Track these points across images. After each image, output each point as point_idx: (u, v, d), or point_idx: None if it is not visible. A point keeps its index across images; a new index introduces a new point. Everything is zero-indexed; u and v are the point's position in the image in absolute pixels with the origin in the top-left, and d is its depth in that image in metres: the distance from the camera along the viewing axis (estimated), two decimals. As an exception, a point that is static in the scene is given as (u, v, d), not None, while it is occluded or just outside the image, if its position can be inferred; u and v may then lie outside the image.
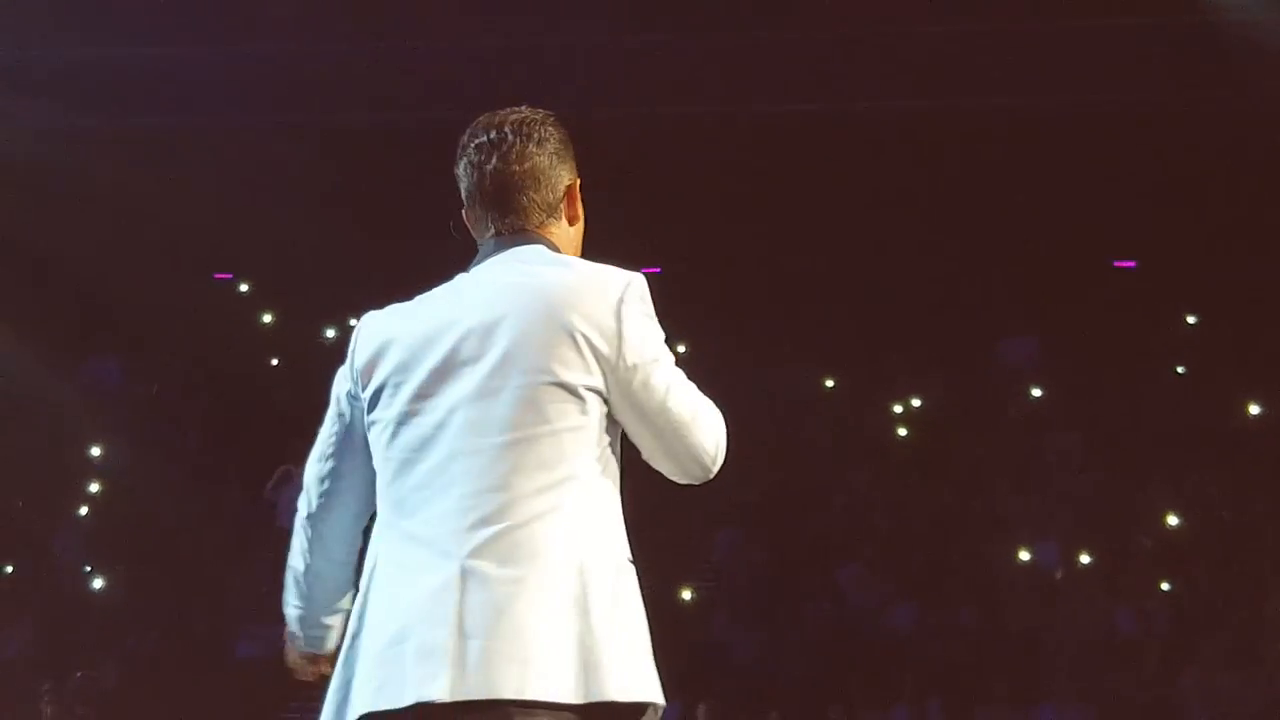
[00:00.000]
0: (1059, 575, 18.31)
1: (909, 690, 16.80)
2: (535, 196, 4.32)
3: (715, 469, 4.25)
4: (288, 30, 17.69)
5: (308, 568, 4.45)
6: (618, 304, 4.12)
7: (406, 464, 4.23)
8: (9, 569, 19.27)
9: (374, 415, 4.31)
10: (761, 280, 19.93)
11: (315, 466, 4.43)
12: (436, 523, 4.13)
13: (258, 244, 20.73)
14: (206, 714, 16.72)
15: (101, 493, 20.45)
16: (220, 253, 22.03)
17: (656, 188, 18.17)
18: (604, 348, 4.11)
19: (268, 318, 22.90)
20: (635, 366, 4.10)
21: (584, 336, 4.10)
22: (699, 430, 4.18)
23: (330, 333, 21.67)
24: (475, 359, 4.17)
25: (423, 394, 4.22)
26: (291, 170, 19.04)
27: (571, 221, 4.39)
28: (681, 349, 15.95)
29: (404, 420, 4.24)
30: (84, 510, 20.25)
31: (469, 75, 16.81)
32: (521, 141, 4.32)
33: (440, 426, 4.19)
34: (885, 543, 18.65)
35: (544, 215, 4.33)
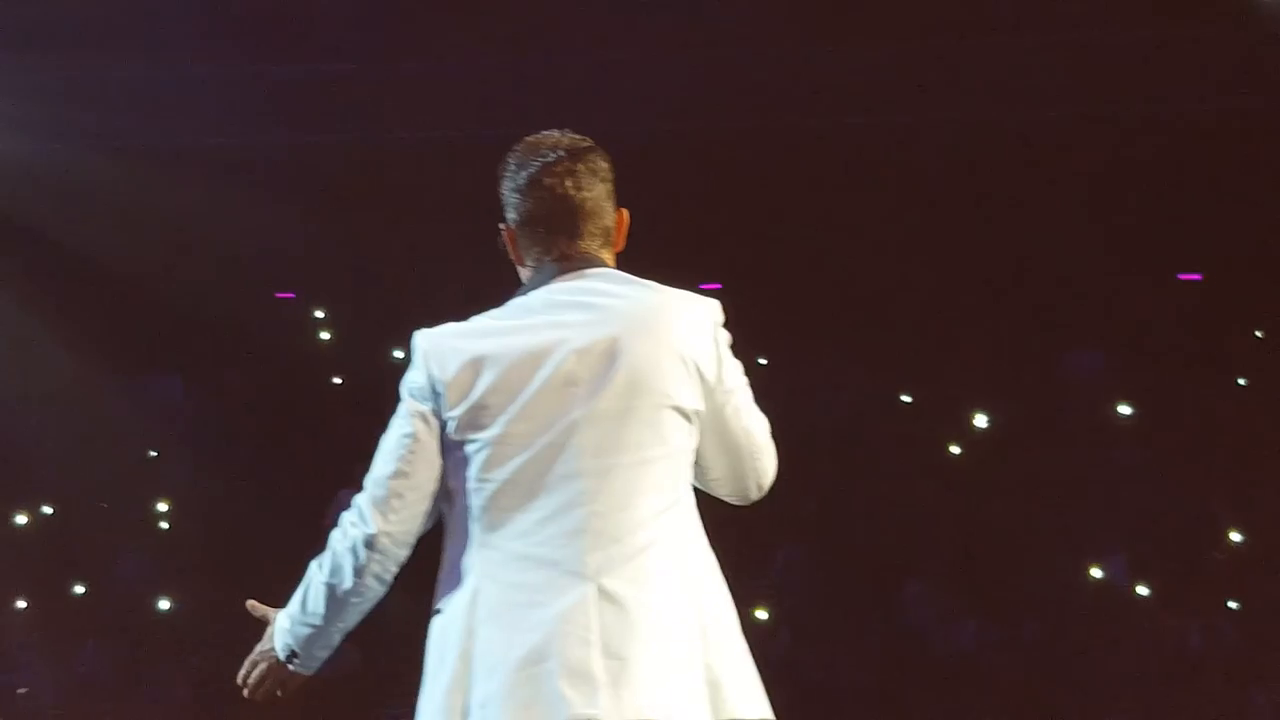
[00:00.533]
0: (1125, 591, 18.17)
1: (974, 709, 16.68)
2: (597, 224, 4.38)
3: (761, 495, 4.47)
4: (346, 48, 17.74)
5: (355, 585, 4.44)
6: (714, 329, 4.20)
7: (513, 484, 4.22)
8: (79, 589, 19.35)
9: (466, 434, 4.27)
10: (823, 294, 19.86)
11: (390, 482, 4.41)
12: (560, 543, 4.14)
13: (320, 263, 20.77)
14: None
15: (168, 512, 20.53)
16: (282, 271, 22.09)
17: (716, 201, 18.14)
18: (708, 372, 4.25)
19: (327, 336, 22.93)
20: (730, 391, 4.24)
21: (693, 360, 4.20)
22: (768, 455, 4.40)
23: (398, 354, 21.66)
24: (589, 380, 4.17)
25: (528, 414, 4.22)
26: (356, 188, 19.10)
27: (616, 249, 4.44)
28: (763, 361, 15.92)
29: (506, 440, 4.23)
30: (148, 528, 20.33)
31: (517, 94, 16.81)
32: (587, 170, 4.41)
33: (555, 447, 4.18)
34: (948, 559, 18.54)
35: (602, 241, 4.36)
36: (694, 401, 4.08)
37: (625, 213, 4.36)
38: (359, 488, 4.61)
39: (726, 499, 4.39)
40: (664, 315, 4.14)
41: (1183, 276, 20.99)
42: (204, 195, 19.20)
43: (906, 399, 20.50)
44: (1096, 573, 18.22)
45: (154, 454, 20.84)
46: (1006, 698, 16.68)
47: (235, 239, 19.95)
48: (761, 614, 18.08)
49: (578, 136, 4.38)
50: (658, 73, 17.33)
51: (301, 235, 19.98)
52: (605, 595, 3.95)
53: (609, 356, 4.08)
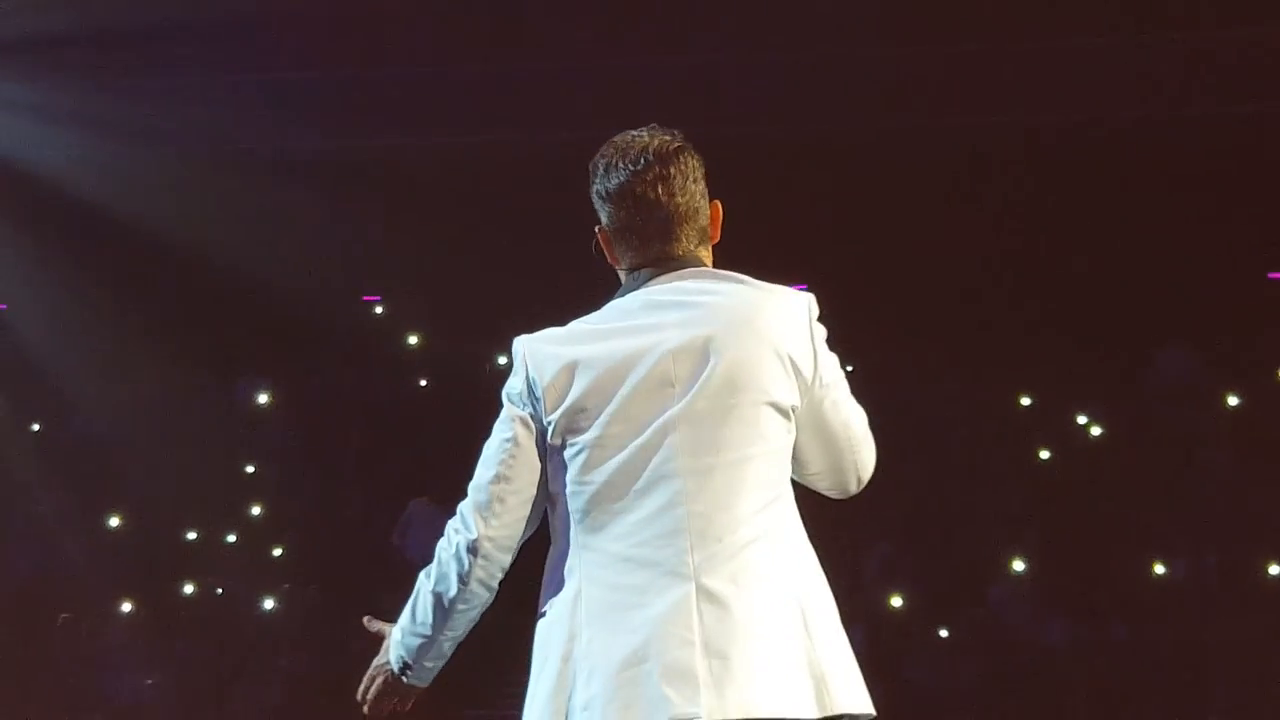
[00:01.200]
0: (1214, 592, 18.04)
1: (1063, 709, 16.61)
2: (693, 226, 4.37)
3: (862, 488, 4.43)
4: (427, 50, 17.81)
5: (461, 592, 4.43)
6: (809, 324, 4.18)
7: (611, 486, 4.21)
8: (189, 589, 19.48)
9: (564, 438, 4.28)
10: (912, 296, 19.80)
11: (492, 488, 4.40)
12: (660, 544, 4.14)
13: (406, 265, 20.85)
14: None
15: (260, 515, 20.65)
16: (368, 274, 22.18)
17: (809, 202, 18.14)
18: (805, 368, 4.22)
19: (414, 340, 23.01)
20: (828, 386, 4.21)
21: (789, 357, 4.19)
22: (868, 447, 4.34)
23: (502, 360, 21.67)
24: (685, 379, 4.18)
25: (624, 416, 4.22)
26: (440, 191, 19.16)
27: (712, 243, 4.46)
28: (850, 368, 15.86)
29: (603, 443, 4.23)
30: (238, 532, 20.46)
31: (600, 94, 16.83)
32: (679, 174, 4.37)
33: (650, 448, 4.17)
34: (1038, 559, 18.45)
35: (699, 240, 4.35)
36: (791, 397, 4.06)
37: (719, 205, 4.34)
38: (430, 498, 4.72)
39: (826, 493, 4.36)
40: (759, 311, 4.13)
41: (1272, 276, 20.83)
42: (293, 197, 19.33)
43: (981, 400, 20.42)
44: (1186, 571, 18.09)
45: (250, 469, 20.94)
46: (1094, 698, 16.60)
47: (322, 241, 20.09)
48: (897, 601, 18.04)
49: (666, 136, 4.34)
50: (744, 74, 17.34)
51: (387, 238, 20.07)
52: (706, 594, 3.94)
53: (704, 355, 4.08)
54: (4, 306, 20.86)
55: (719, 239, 4.37)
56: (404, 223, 19.60)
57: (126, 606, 19.06)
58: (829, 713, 3.99)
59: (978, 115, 17.92)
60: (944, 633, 17.90)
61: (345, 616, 18.64)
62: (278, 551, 19.93)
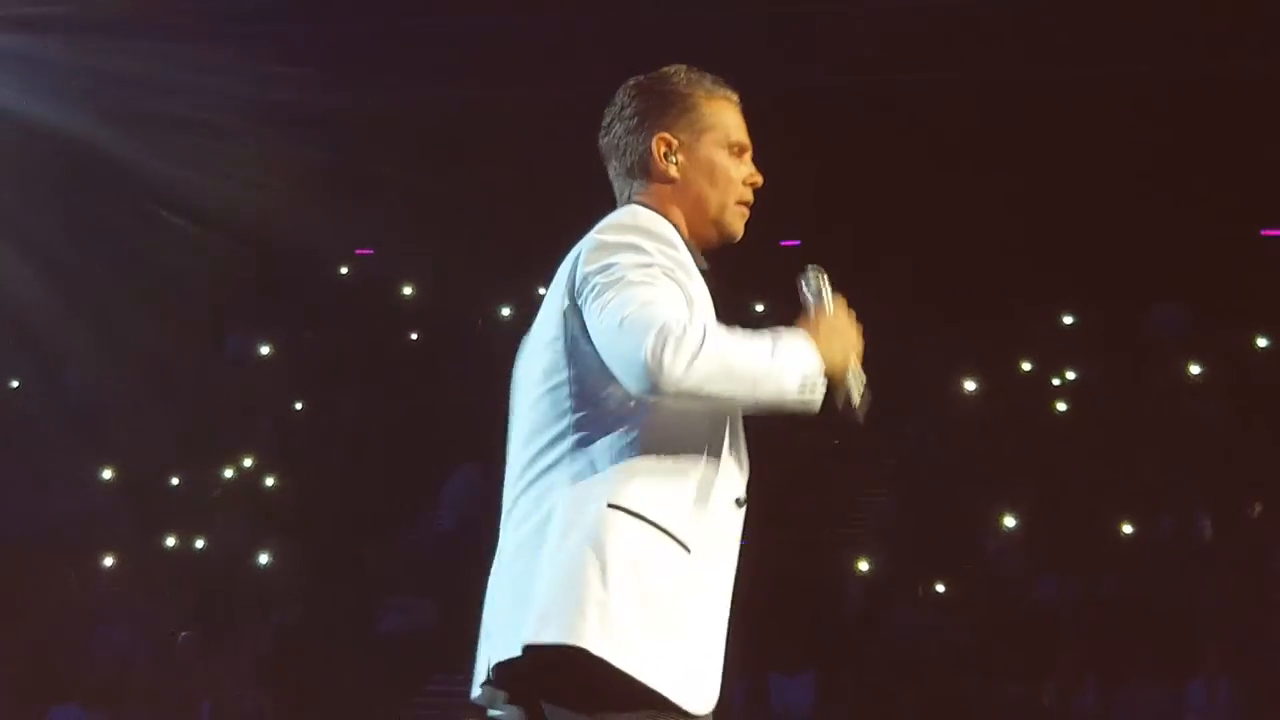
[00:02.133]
0: (1203, 546, 18.09)
1: (1059, 664, 16.65)
2: (620, 165, 4.28)
3: (653, 372, 3.79)
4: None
5: None
6: (589, 242, 4.03)
7: None
8: (170, 541, 19.50)
9: None
10: (907, 246, 19.80)
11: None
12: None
13: (403, 220, 20.84)
14: (351, 687, 16.85)
15: (252, 467, 20.67)
16: (363, 227, 22.17)
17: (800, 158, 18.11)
18: (570, 289, 4.02)
19: (409, 291, 23.00)
20: (585, 299, 3.95)
21: (564, 288, 4.03)
22: (617, 344, 3.85)
23: (506, 311, 21.70)
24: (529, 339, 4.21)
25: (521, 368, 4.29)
26: (437, 146, 19.16)
27: (667, 180, 4.24)
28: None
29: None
30: (235, 485, 20.49)
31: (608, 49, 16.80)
32: (609, 114, 4.30)
33: (511, 402, 4.23)
34: (1031, 513, 18.49)
35: (630, 180, 4.27)
36: (560, 329, 3.99)
37: (663, 138, 4.18)
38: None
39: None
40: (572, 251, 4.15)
41: (1266, 232, 20.86)
42: (287, 151, 19.32)
43: (974, 352, 20.46)
44: (1177, 526, 18.13)
45: (237, 409, 20.92)
46: (1086, 650, 16.63)
47: (314, 196, 20.08)
48: (863, 565, 18.07)
49: (630, 80, 4.30)
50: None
51: (385, 191, 20.07)
52: (501, 547, 4.12)
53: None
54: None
55: (670, 172, 4.24)
56: (399, 176, 19.60)
57: (113, 559, 19.09)
58: (527, 643, 3.82)
59: (972, 70, 17.92)
60: (940, 588, 17.95)
61: (333, 571, 18.76)
62: (265, 504, 19.96)
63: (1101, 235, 19.48)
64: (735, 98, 4.35)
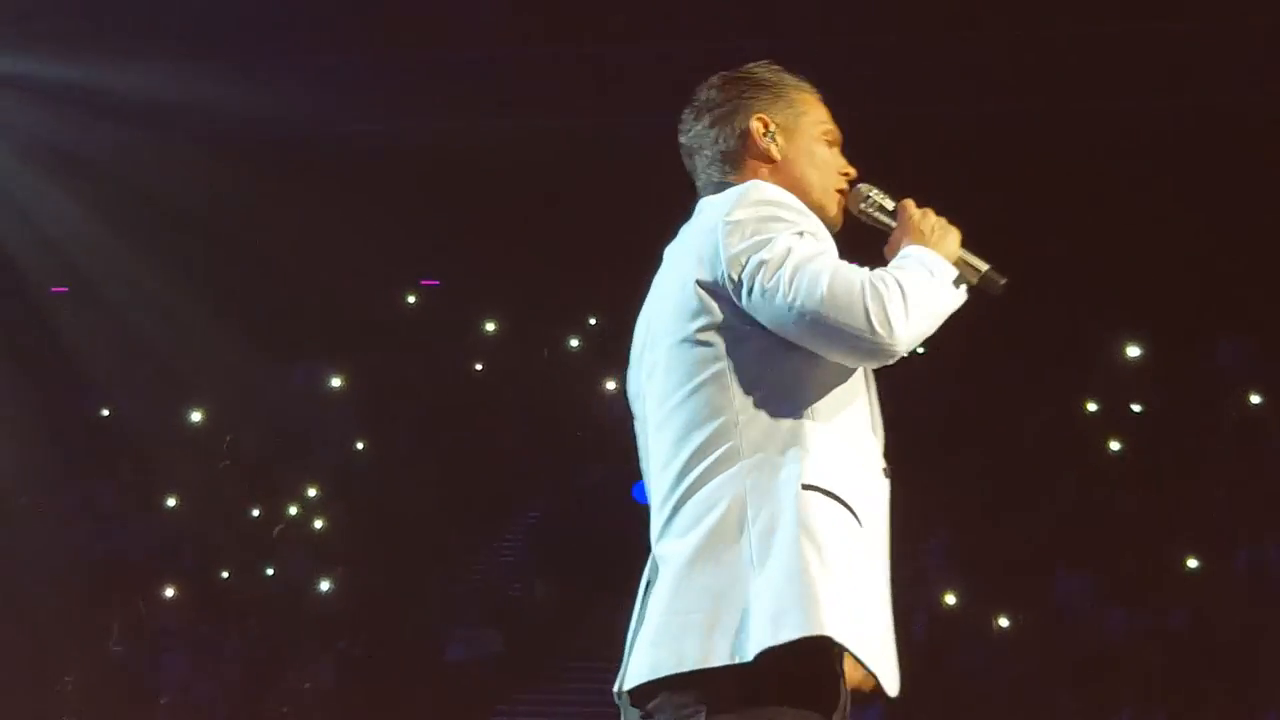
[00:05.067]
0: (1276, 577, 17.95)
1: (1127, 698, 16.53)
2: (704, 159, 4.18)
3: (887, 339, 3.74)
4: (502, 32, 17.81)
5: None
6: (721, 224, 3.88)
7: (644, 466, 4.18)
8: (225, 574, 19.57)
9: None
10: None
11: None
12: (652, 517, 4.07)
13: (463, 250, 20.89)
14: (415, 715, 16.88)
15: (318, 496, 20.73)
16: (426, 258, 22.23)
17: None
18: (711, 277, 3.86)
19: (476, 323, 23.03)
20: (741, 282, 3.79)
21: (696, 280, 3.87)
22: (844, 313, 3.73)
23: (575, 343, 21.69)
24: (649, 344, 4.09)
25: (644, 395, 4.14)
26: (499, 176, 19.17)
27: (768, 160, 4.14)
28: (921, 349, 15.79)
29: (641, 423, 4.17)
30: (298, 514, 20.53)
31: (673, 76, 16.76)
32: (707, 94, 4.20)
33: (649, 423, 4.12)
34: (1097, 547, 18.38)
35: (717, 169, 4.17)
36: (705, 319, 3.85)
37: (761, 119, 4.10)
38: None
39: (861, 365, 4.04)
40: (681, 241, 4.05)
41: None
42: (350, 182, 19.40)
43: (1038, 386, 20.33)
44: (1247, 559, 17.99)
45: (303, 440, 21.00)
46: (1152, 684, 16.52)
47: (380, 227, 20.15)
48: (931, 598, 17.94)
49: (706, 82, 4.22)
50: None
51: (447, 223, 20.11)
52: (656, 561, 3.92)
53: (650, 307, 4.10)
54: (65, 289, 21.01)
55: (776, 153, 4.18)
56: (464, 208, 19.64)
57: (178, 589, 19.15)
58: (764, 647, 3.72)
59: (1044, 98, 17.88)
60: (1003, 622, 17.85)
61: (399, 600, 18.80)
62: (332, 535, 20.00)
63: (1169, 268, 19.37)
64: (819, 95, 4.27)
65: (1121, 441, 20.04)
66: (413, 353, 22.11)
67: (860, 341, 3.73)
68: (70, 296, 20.88)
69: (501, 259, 20.62)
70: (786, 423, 3.82)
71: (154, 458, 20.30)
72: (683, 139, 4.23)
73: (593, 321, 21.07)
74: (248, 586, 19.39)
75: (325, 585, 19.15)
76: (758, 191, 3.94)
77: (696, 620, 3.73)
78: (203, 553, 19.57)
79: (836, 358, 3.81)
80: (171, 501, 20.38)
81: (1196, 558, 18.14)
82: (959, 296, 3.91)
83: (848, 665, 3.74)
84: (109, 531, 19.86)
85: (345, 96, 18.82)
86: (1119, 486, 19.05)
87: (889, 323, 3.71)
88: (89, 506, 20.12)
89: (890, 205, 4.14)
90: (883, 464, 3.98)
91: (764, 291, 3.77)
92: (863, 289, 3.71)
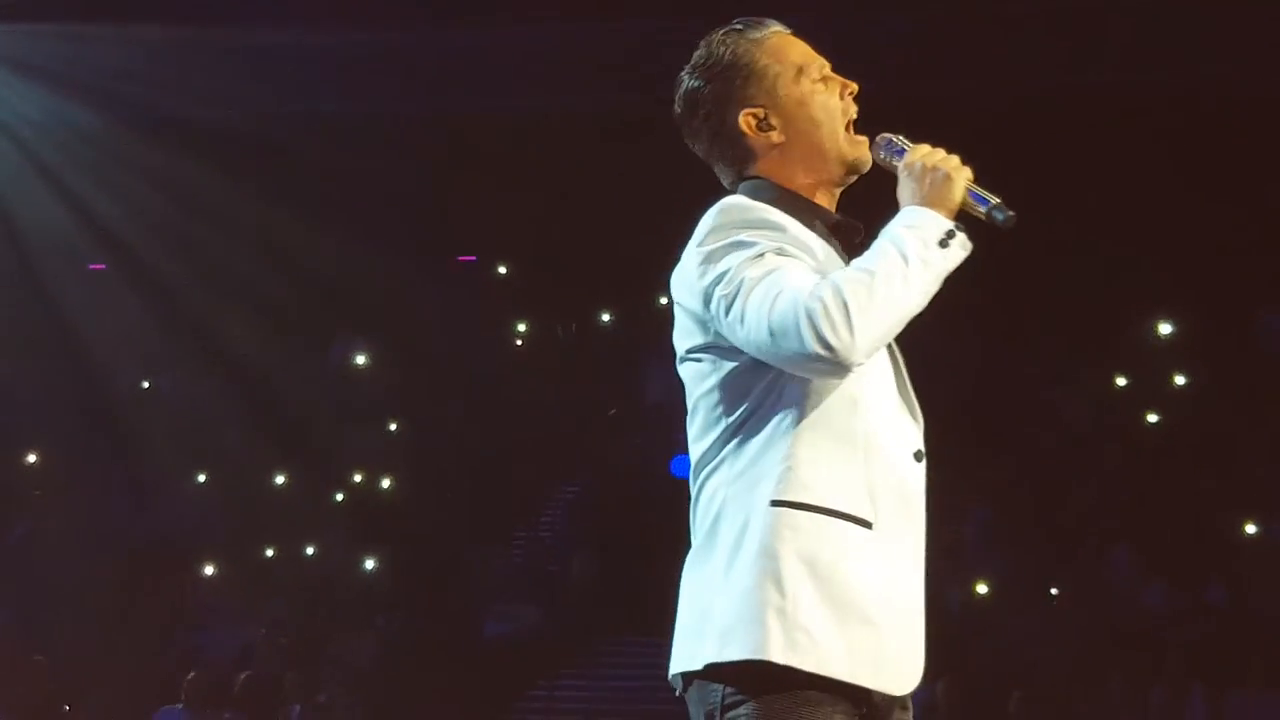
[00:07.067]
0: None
1: (1167, 671, 16.47)
2: (719, 153, 4.16)
3: (833, 357, 3.69)
4: (538, 11, 17.78)
5: None
6: (693, 255, 3.90)
7: None
8: (269, 552, 19.61)
9: None
10: (1012, 254, 19.62)
11: None
12: None
13: (501, 228, 20.88)
14: (454, 692, 16.91)
15: (356, 473, 20.75)
16: (460, 236, 22.23)
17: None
18: (690, 304, 3.93)
19: (514, 299, 23.02)
20: (713, 314, 3.84)
21: (679, 302, 3.97)
22: (785, 340, 3.71)
23: (605, 318, 21.65)
24: None
25: None
26: (535, 155, 19.15)
27: (774, 146, 4.10)
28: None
29: None
30: (341, 494, 20.56)
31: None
32: (683, 112, 4.17)
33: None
34: (1137, 521, 18.32)
35: (739, 164, 4.14)
36: (696, 339, 3.93)
37: (750, 114, 4.05)
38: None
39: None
40: (679, 261, 4.01)
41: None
42: (383, 160, 19.38)
43: (1081, 362, 20.25)
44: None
45: (339, 418, 21.00)
46: (1192, 658, 16.45)
47: (414, 204, 20.15)
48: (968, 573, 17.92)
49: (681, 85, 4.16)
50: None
51: (482, 201, 20.09)
52: (689, 558, 4.04)
53: None
54: (103, 266, 21.06)
55: (772, 136, 4.12)
56: (498, 186, 19.62)
57: (220, 566, 19.22)
58: (710, 662, 3.75)
59: (1073, 76, 17.80)
60: (1045, 598, 17.81)
61: (437, 577, 18.83)
62: (371, 512, 20.03)
63: (1210, 240, 19.25)
64: (781, 27, 4.20)
65: (1162, 415, 19.95)
66: (451, 329, 22.11)
67: (812, 363, 3.73)
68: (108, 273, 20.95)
69: (539, 234, 20.60)
70: (771, 435, 3.87)
71: (192, 432, 20.36)
72: (696, 148, 4.22)
73: (633, 297, 21.07)
74: (287, 564, 19.44)
75: (367, 564, 19.17)
76: (725, 214, 3.94)
77: (683, 623, 3.93)
78: (241, 530, 19.61)
79: (806, 375, 3.82)
80: (213, 482, 20.44)
81: (1237, 531, 18.08)
82: (945, 260, 3.82)
83: None
84: (147, 508, 19.91)
85: (378, 77, 18.82)
86: (1160, 460, 18.98)
87: (830, 340, 3.67)
88: (128, 483, 20.16)
89: (901, 148, 4.08)
90: (915, 448, 3.99)
91: (727, 325, 3.82)
92: (797, 314, 3.69)
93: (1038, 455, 19.22)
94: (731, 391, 3.90)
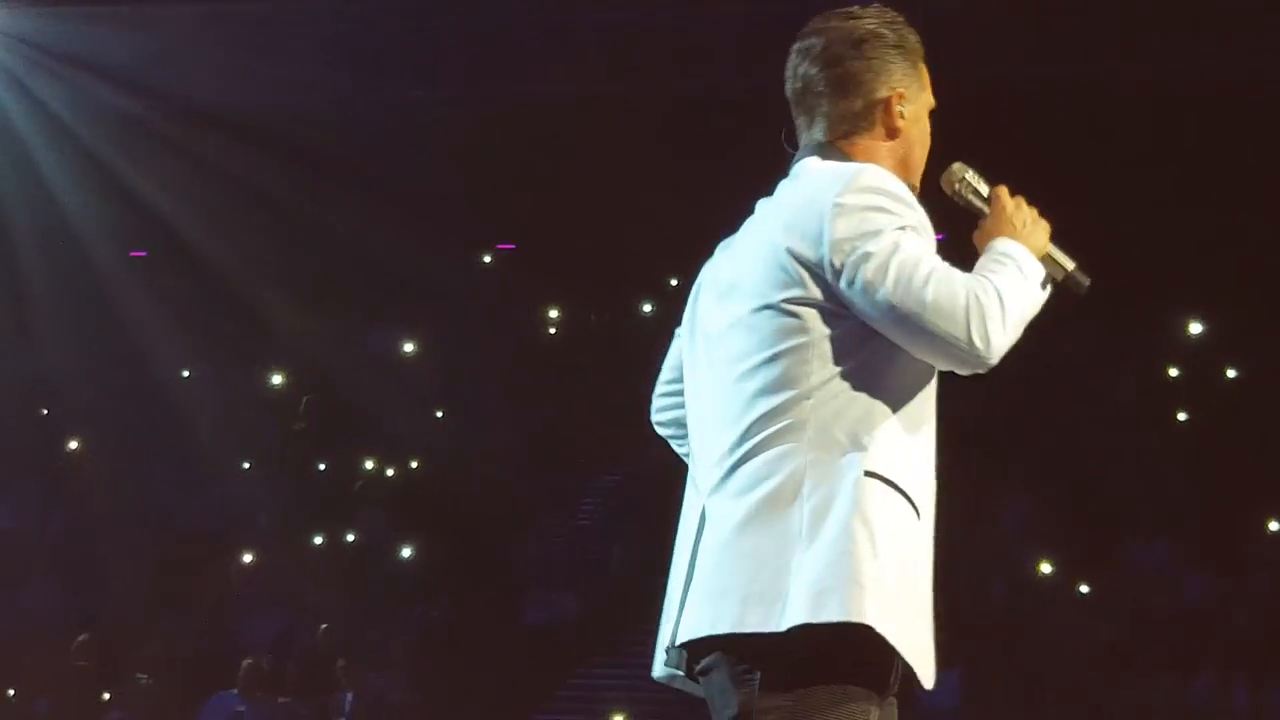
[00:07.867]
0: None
1: (1208, 662, 16.43)
2: (809, 113, 4.10)
3: (984, 352, 3.78)
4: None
5: None
6: (830, 205, 3.83)
7: (689, 404, 4.18)
8: (320, 536, 19.64)
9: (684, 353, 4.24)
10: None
11: None
12: (694, 462, 4.10)
13: (535, 215, 20.88)
14: (494, 678, 16.94)
15: (396, 461, 20.77)
16: (497, 223, 22.24)
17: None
18: (810, 255, 3.85)
19: (551, 287, 23.02)
20: (841, 270, 3.78)
21: (791, 249, 3.86)
22: (945, 319, 3.74)
23: (647, 308, 21.61)
24: (725, 292, 4.05)
25: (697, 325, 4.15)
26: (569, 141, 19.15)
27: (891, 135, 4.09)
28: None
29: (691, 358, 4.18)
30: (382, 482, 20.61)
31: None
32: (838, 44, 4.07)
33: (696, 362, 4.12)
34: (1177, 512, 18.26)
35: (847, 125, 4.07)
36: (793, 292, 3.83)
37: (897, 93, 4.04)
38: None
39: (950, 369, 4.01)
40: (782, 203, 3.95)
41: None
42: (418, 148, 19.40)
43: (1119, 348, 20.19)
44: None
45: (380, 406, 21.05)
46: (1233, 649, 16.40)
47: (452, 192, 20.15)
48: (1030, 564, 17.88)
49: (867, 10, 4.09)
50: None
51: (515, 188, 20.10)
52: (707, 514, 3.90)
53: (733, 264, 4.02)
54: (144, 254, 21.14)
55: (901, 132, 4.09)
56: (534, 173, 19.63)
57: (265, 553, 19.27)
58: (801, 622, 3.65)
59: (1124, 62, 17.75)
60: (1084, 588, 17.77)
61: (477, 565, 18.85)
62: (411, 499, 20.05)
63: (1250, 233, 19.19)
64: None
65: (1202, 407, 19.89)
66: (490, 317, 22.13)
67: (956, 350, 3.77)
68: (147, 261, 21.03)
69: (577, 222, 20.59)
70: (860, 408, 3.84)
71: (232, 420, 20.43)
72: (795, 84, 4.13)
73: (674, 283, 21.07)
74: (328, 551, 19.48)
75: (405, 551, 19.20)
76: (870, 177, 3.90)
77: (737, 584, 3.79)
78: (280, 517, 19.66)
79: (926, 358, 3.85)
80: (255, 469, 20.50)
81: (1277, 521, 18.02)
82: (1041, 298, 3.95)
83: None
84: (189, 495, 19.97)
85: (410, 64, 18.84)
86: (1199, 451, 18.92)
87: (988, 336, 3.75)
88: (171, 471, 20.23)
89: (985, 190, 4.11)
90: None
91: (866, 284, 3.77)
92: (966, 299, 3.74)
93: (1078, 445, 19.18)
94: (827, 354, 3.85)
